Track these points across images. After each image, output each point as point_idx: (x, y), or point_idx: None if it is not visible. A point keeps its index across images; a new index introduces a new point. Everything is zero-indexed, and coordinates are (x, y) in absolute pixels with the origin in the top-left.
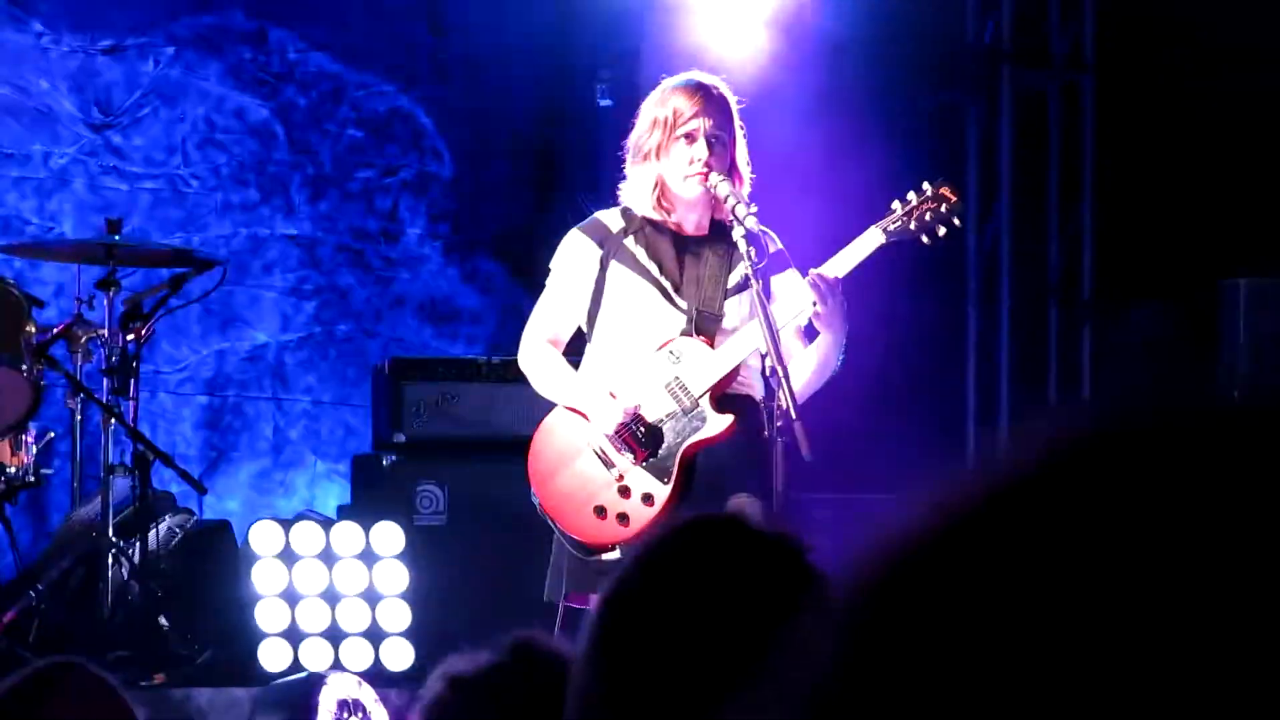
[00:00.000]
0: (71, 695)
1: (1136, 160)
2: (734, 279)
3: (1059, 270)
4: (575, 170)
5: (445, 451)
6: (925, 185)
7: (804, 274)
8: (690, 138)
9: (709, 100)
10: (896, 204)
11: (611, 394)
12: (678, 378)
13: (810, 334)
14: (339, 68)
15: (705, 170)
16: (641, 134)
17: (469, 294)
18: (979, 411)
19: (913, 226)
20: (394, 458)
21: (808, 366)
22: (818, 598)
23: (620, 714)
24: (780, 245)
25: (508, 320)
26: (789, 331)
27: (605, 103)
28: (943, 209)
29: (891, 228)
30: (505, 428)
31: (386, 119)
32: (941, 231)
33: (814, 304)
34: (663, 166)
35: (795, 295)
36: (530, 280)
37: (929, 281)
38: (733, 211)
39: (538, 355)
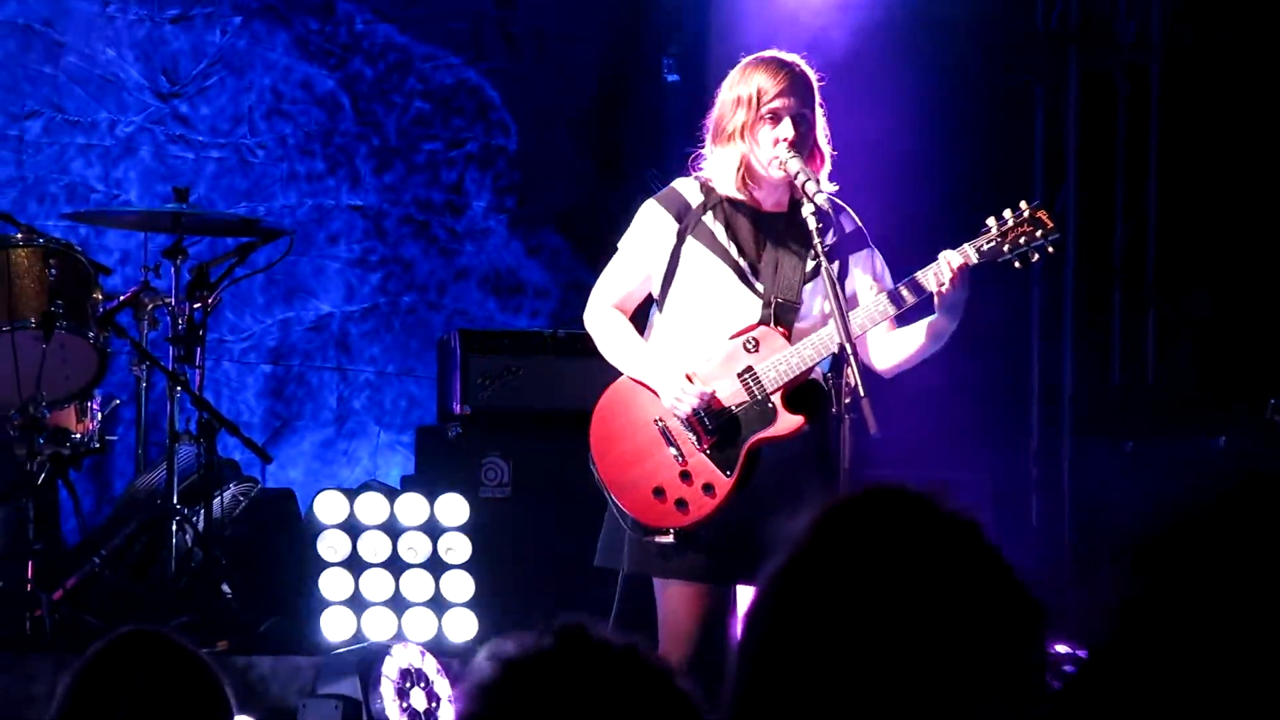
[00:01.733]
0: (158, 665)
1: (1202, 143)
2: (812, 262)
3: (1123, 253)
4: (641, 146)
5: (510, 424)
6: (1022, 206)
7: (880, 252)
8: (776, 117)
9: (793, 78)
10: (991, 222)
11: (689, 375)
12: (752, 369)
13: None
14: (406, 39)
15: (791, 149)
16: (724, 113)
17: (533, 268)
18: (1042, 392)
19: (1006, 249)
20: (458, 430)
21: (912, 341)
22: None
23: (797, 704)
24: (859, 223)
25: (571, 295)
26: (877, 320)
27: (673, 78)
28: (1038, 234)
29: (985, 247)
30: (570, 401)
31: (453, 91)
32: (1035, 258)
33: (940, 286)
34: (748, 146)
35: (873, 274)
36: (595, 256)
37: (987, 264)
38: (803, 189)
39: (607, 319)
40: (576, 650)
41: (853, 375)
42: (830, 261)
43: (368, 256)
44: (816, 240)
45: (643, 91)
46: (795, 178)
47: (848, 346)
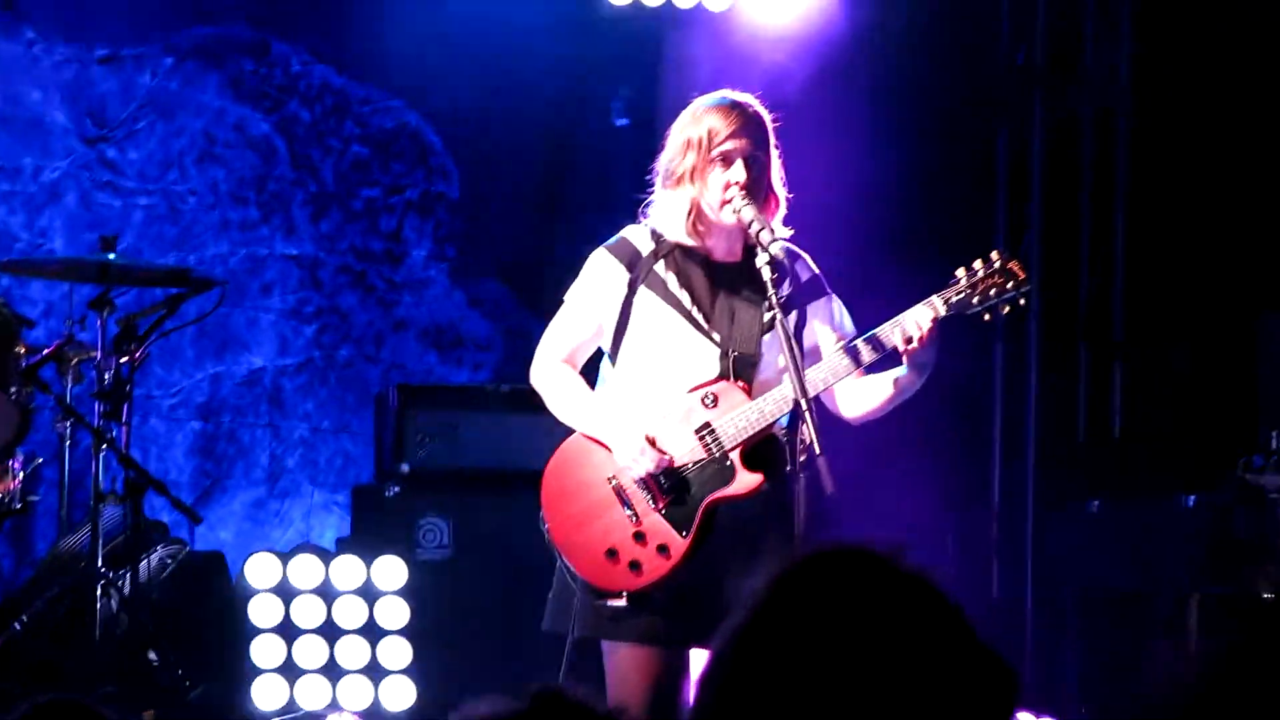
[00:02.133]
0: None
1: (1172, 189)
2: (769, 313)
3: (1089, 302)
4: (589, 192)
5: (450, 483)
6: (993, 256)
7: (839, 298)
8: (727, 160)
9: (746, 119)
10: (960, 273)
11: (649, 438)
12: (710, 426)
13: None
14: (344, 81)
15: (741, 195)
16: (674, 156)
17: (475, 319)
18: (1005, 453)
19: (975, 301)
20: (396, 489)
21: (879, 392)
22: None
23: None
24: (815, 270)
25: (516, 347)
26: (834, 379)
27: (621, 122)
28: (1009, 285)
29: (954, 299)
30: (514, 459)
31: (393, 135)
32: (1005, 309)
33: (908, 342)
34: (698, 191)
35: (831, 324)
36: (540, 307)
37: (954, 316)
38: (757, 237)
39: (557, 374)
40: (554, 715)
41: (809, 432)
42: (786, 313)
43: (302, 308)
44: (771, 291)
45: (590, 136)
46: (749, 225)
47: (803, 403)
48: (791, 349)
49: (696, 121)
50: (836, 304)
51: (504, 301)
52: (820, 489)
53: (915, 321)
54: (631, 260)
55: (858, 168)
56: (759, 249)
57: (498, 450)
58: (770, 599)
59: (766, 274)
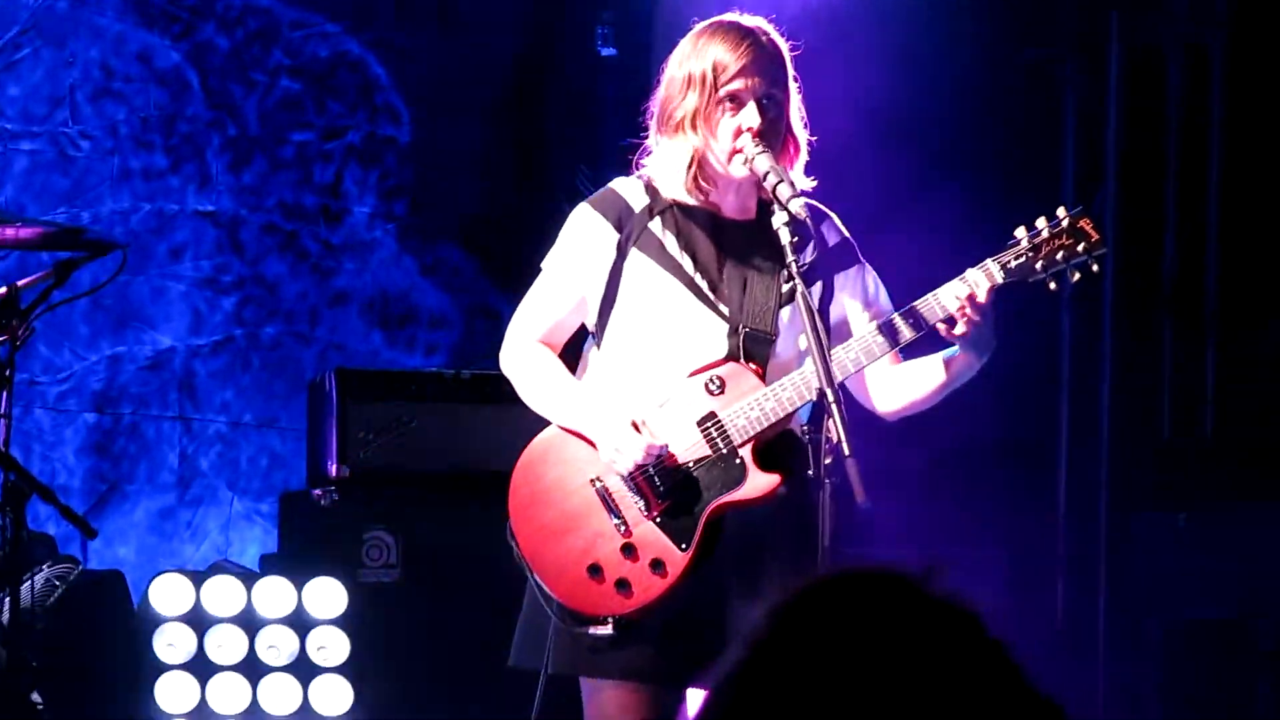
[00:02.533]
0: None
1: (1276, 135)
2: (788, 283)
3: (1175, 275)
4: (569, 136)
5: (399, 489)
6: (1059, 213)
7: (873, 269)
8: (737, 100)
9: (758, 50)
10: (1020, 233)
11: (635, 424)
12: (715, 416)
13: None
14: (271, 2)
15: (759, 143)
16: (672, 95)
17: (430, 290)
18: (1073, 451)
19: (1039, 266)
20: (334, 496)
21: (924, 380)
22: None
23: None
24: (845, 233)
25: (479, 325)
26: (867, 360)
27: (608, 52)
28: (1080, 248)
29: (1014, 264)
30: (476, 460)
31: (330, 67)
32: (1075, 277)
33: (961, 315)
34: (702, 138)
35: (864, 297)
36: (509, 275)
37: (1012, 289)
38: (774, 192)
39: (531, 356)
40: None
41: (836, 429)
42: (809, 283)
43: (220, 276)
44: (791, 257)
45: (571, 68)
46: (763, 178)
47: (829, 393)
48: (815, 326)
49: (698, 53)
50: (870, 274)
51: (465, 269)
52: (849, 498)
53: (967, 291)
54: (621, 217)
55: (897, 110)
56: (776, 206)
57: (457, 449)
58: (772, 632)
59: (785, 236)
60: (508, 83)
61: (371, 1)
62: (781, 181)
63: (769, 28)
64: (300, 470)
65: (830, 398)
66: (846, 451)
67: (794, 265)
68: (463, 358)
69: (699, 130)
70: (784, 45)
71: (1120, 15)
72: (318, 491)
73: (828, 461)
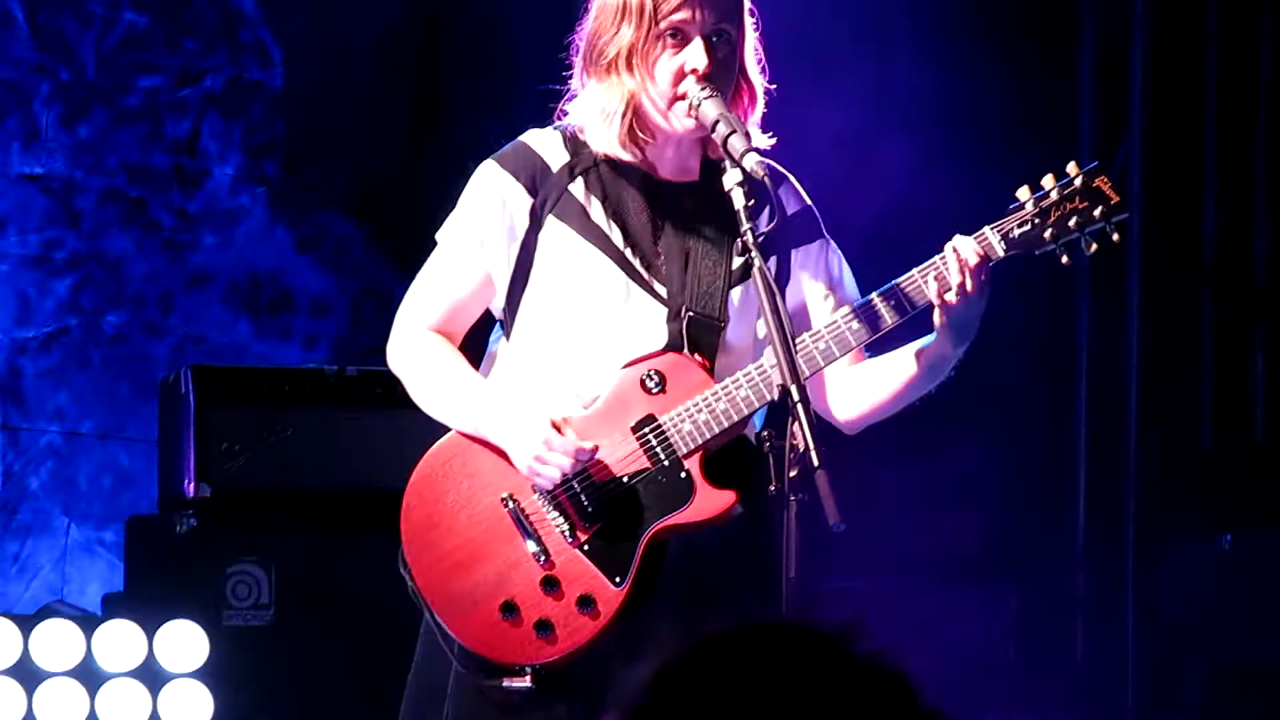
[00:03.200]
0: None
1: None
2: (740, 257)
3: (1217, 242)
4: (476, 81)
5: (272, 513)
6: (1070, 170)
7: (839, 249)
8: (681, 36)
9: None
10: (1024, 194)
11: (556, 424)
12: (654, 420)
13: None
14: None
15: (707, 86)
16: (601, 29)
17: (309, 270)
18: (1092, 461)
19: (1048, 234)
20: (192, 522)
21: (892, 378)
22: None
23: None
24: (808, 201)
25: (368, 310)
26: (838, 352)
27: None
28: (1096, 212)
29: (1017, 233)
30: (363, 476)
31: None
32: (1092, 248)
33: (945, 293)
34: (638, 81)
35: (828, 278)
36: (404, 251)
37: (1016, 263)
38: (724, 145)
39: (425, 348)
40: None
41: (803, 435)
42: (766, 258)
43: (51, 253)
44: (746, 225)
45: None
46: (712, 129)
47: (794, 392)
48: (777, 309)
49: None
50: (835, 252)
51: (352, 244)
52: (819, 519)
53: (959, 256)
54: (535, 178)
55: (875, 49)
56: (727, 163)
57: (341, 463)
58: (654, 699)
59: (739, 199)
60: (403, 16)
61: None
62: (734, 133)
63: None
64: (151, 491)
65: (796, 396)
66: (815, 462)
67: (750, 234)
68: (348, 352)
69: (635, 70)
70: None
71: None
72: (174, 516)
73: (793, 475)
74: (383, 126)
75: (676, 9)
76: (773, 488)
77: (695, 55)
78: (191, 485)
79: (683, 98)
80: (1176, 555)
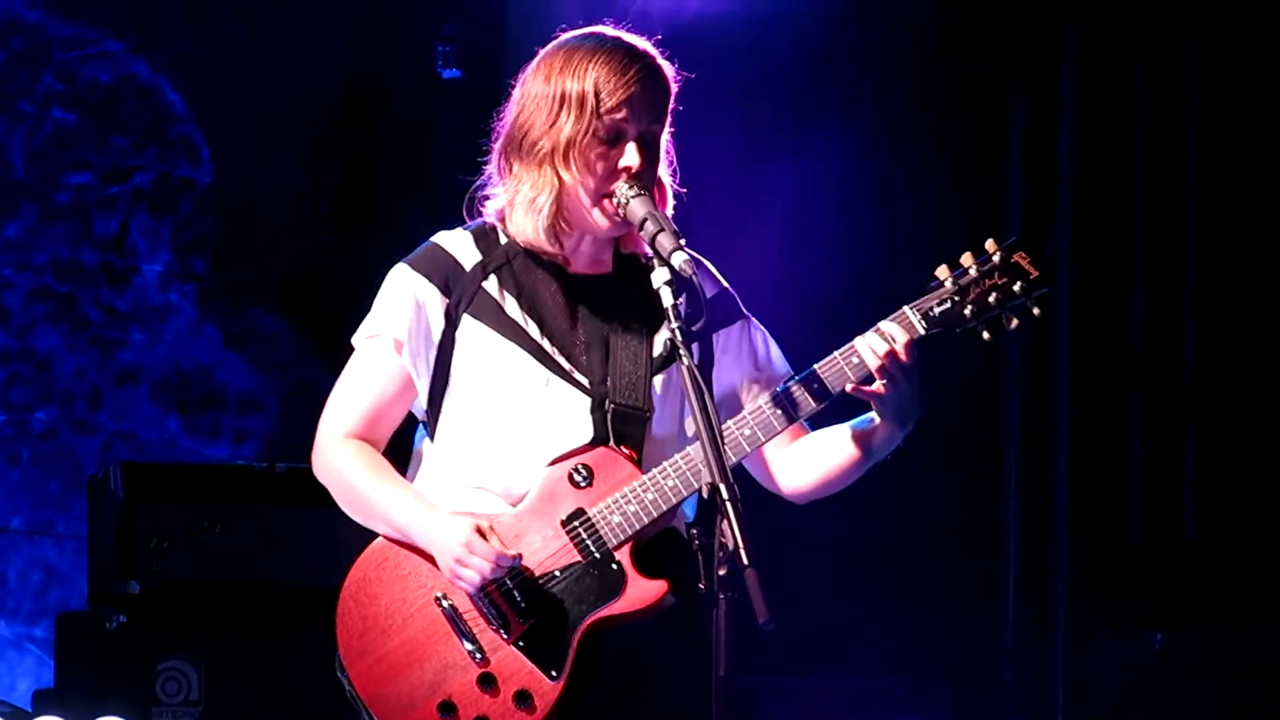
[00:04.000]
0: None
1: (1269, 164)
2: (659, 345)
3: (1145, 336)
4: (403, 175)
5: (202, 610)
6: (989, 247)
7: (764, 328)
8: (618, 135)
9: (648, 78)
10: (943, 272)
11: (480, 529)
12: (584, 514)
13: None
14: (39, 16)
15: (634, 186)
16: (533, 118)
17: (238, 366)
18: (1022, 554)
19: (968, 312)
20: (121, 618)
21: (834, 455)
22: None
23: None
24: (724, 284)
25: (296, 407)
26: (760, 440)
27: (450, 74)
28: (1016, 288)
29: (937, 311)
30: (294, 573)
31: (113, 94)
32: (1013, 324)
33: (877, 373)
34: (572, 176)
35: (753, 361)
36: (334, 347)
37: (946, 355)
38: (652, 243)
39: (346, 458)
40: None
41: (732, 532)
42: (689, 345)
43: None
44: (675, 323)
45: (405, 93)
46: (640, 226)
47: (723, 490)
48: (705, 406)
49: (576, 71)
50: (758, 330)
51: (281, 340)
52: (748, 616)
53: (880, 345)
54: (448, 278)
55: (808, 140)
56: (655, 261)
57: (272, 560)
58: None
59: (667, 296)
60: (330, 112)
61: (163, 13)
62: (661, 230)
63: (656, 53)
64: (81, 587)
65: (725, 494)
66: (745, 561)
67: (678, 333)
68: (277, 448)
69: (570, 164)
70: (671, 75)
71: (1075, 26)
72: (103, 613)
73: (722, 573)
74: (310, 222)
75: (618, 107)
76: (702, 585)
77: (630, 155)
78: (121, 582)
79: (610, 195)
80: (1106, 651)
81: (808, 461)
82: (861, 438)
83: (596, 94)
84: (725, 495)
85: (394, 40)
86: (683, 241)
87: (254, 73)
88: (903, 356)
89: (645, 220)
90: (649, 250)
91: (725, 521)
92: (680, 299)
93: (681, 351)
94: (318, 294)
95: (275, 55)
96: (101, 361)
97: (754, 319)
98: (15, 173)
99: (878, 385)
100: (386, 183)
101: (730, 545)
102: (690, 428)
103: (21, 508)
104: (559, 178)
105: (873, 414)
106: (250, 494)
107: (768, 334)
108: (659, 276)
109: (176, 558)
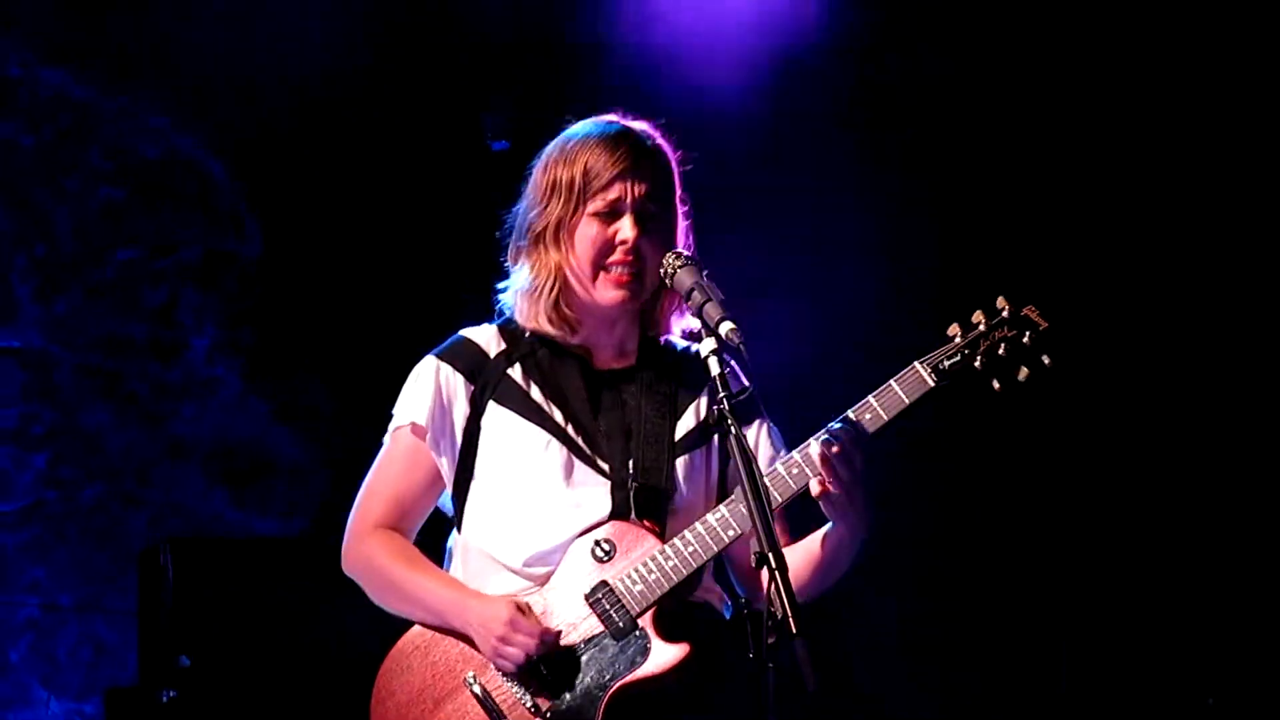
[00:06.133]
0: None
1: None
2: (683, 428)
3: None
4: (454, 249)
5: (254, 684)
6: (1000, 302)
7: (775, 428)
8: (614, 211)
9: (639, 155)
10: (953, 329)
11: (519, 604)
12: (607, 585)
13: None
14: (87, 92)
15: (628, 261)
16: (533, 205)
17: (285, 439)
18: None
19: (978, 364)
20: (172, 693)
21: (801, 568)
22: None
23: None
24: (745, 380)
25: (346, 481)
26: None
27: (499, 146)
28: (1025, 339)
29: (946, 364)
30: (347, 646)
31: (160, 170)
32: (1023, 373)
33: (825, 476)
34: (563, 254)
35: (769, 461)
36: (383, 419)
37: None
38: (699, 312)
39: (377, 547)
40: None
41: (780, 601)
42: (711, 435)
43: (29, 428)
44: (722, 392)
45: (455, 164)
46: (687, 295)
47: (771, 559)
48: (753, 474)
49: (568, 158)
50: (773, 429)
51: (328, 412)
52: (794, 684)
53: (829, 447)
54: (474, 367)
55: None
56: (705, 333)
57: (324, 633)
58: None
59: (714, 366)
60: (377, 184)
61: (209, 90)
62: (709, 300)
63: (655, 133)
64: (131, 663)
65: (774, 563)
66: (794, 629)
67: (726, 402)
68: (327, 521)
69: (560, 243)
70: (671, 153)
71: None
72: (156, 688)
73: (771, 641)
74: (358, 295)
75: (608, 186)
76: (752, 655)
77: (625, 227)
78: (172, 658)
79: (609, 268)
80: None
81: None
82: (822, 543)
83: (585, 175)
84: (774, 563)
85: (443, 109)
86: (728, 315)
87: (299, 145)
88: (852, 457)
89: (692, 290)
90: (700, 320)
91: (773, 585)
92: (728, 369)
93: (730, 420)
94: (367, 365)
95: (320, 128)
96: (149, 436)
97: (769, 419)
98: (63, 247)
99: (828, 485)
100: (438, 256)
101: (779, 613)
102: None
103: (71, 584)
104: (557, 259)
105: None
106: (300, 568)
107: (779, 434)
108: (706, 346)
109: (227, 632)
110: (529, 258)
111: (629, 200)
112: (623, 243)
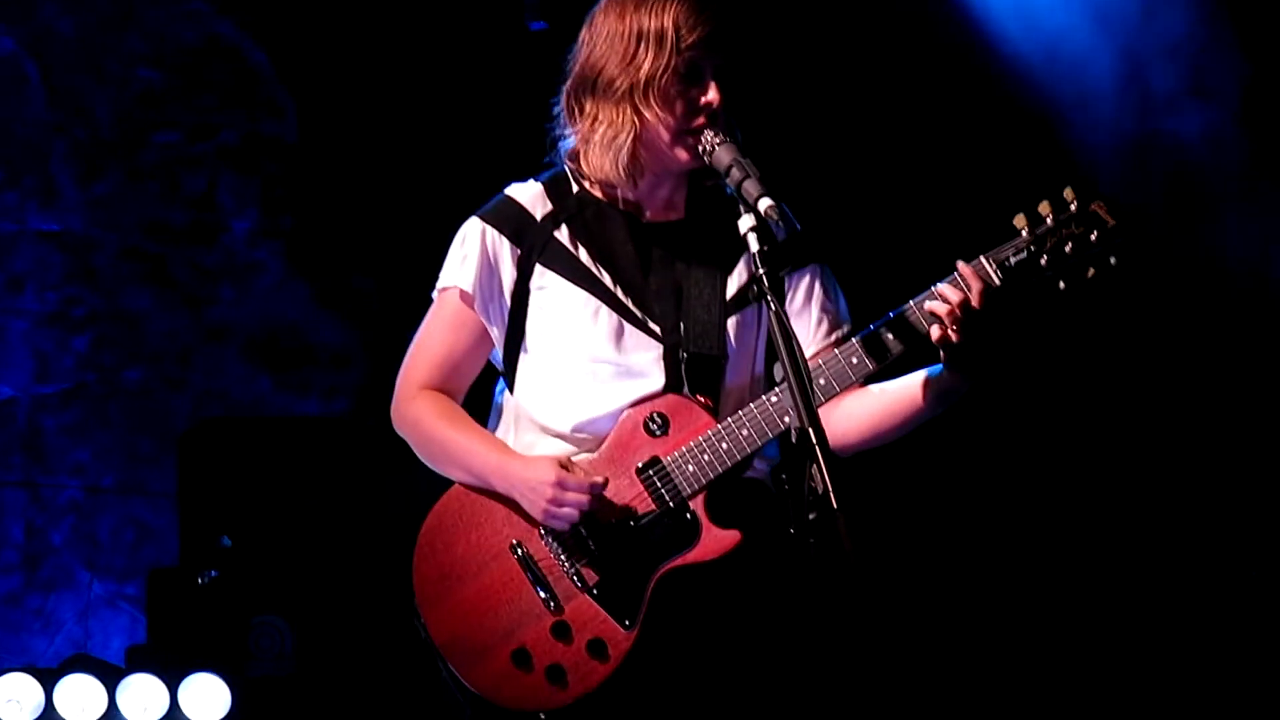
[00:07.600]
0: None
1: None
2: (734, 283)
3: None
4: (494, 131)
5: (294, 564)
6: (1067, 194)
7: (834, 277)
8: (697, 72)
9: (726, 16)
10: (1019, 220)
11: (562, 463)
12: (659, 462)
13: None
14: None
15: (714, 126)
16: (607, 57)
17: (327, 323)
18: None
19: (1044, 262)
20: (213, 574)
21: (893, 405)
22: None
23: None
24: (797, 225)
25: (387, 363)
26: (841, 386)
27: (538, 26)
28: (1093, 236)
29: (1012, 260)
30: (385, 526)
31: (199, 54)
32: (1090, 273)
33: (947, 318)
34: (652, 113)
35: (822, 306)
36: (424, 302)
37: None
38: (739, 189)
39: (424, 410)
40: None
41: (821, 477)
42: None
43: (70, 310)
44: (761, 269)
45: (492, 47)
46: (725, 173)
47: (812, 434)
48: (793, 352)
49: (650, 7)
50: (828, 279)
51: (369, 296)
52: (834, 551)
53: (953, 292)
54: (519, 229)
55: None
56: (742, 206)
57: (365, 515)
58: None
59: (754, 243)
60: (415, 67)
61: None
62: (748, 178)
63: None
64: (172, 544)
65: (814, 439)
66: (834, 504)
67: (764, 278)
68: (368, 404)
69: (649, 103)
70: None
71: None
72: (196, 569)
73: (812, 516)
74: (397, 179)
75: (696, 45)
76: (792, 530)
77: (710, 91)
78: (213, 539)
79: (691, 132)
80: None
81: (863, 412)
82: (924, 386)
83: (676, 29)
84: (814, 439)
85: None
86: (766, 190)
87: (337, 29)
88: (975, 304)
89: (731, 167)
90: (737, 194)
91: (813, 466)
92: (765, 246)
93: (770, 297)
94: (406, 249)
95: (358, 12)
96: (191, 320)
97: (826, 266)
98: (102, 133)
99: (950, 332)
100: (477, 138)
101: (820, 489)
102: (765, 371)
103: (114, 467)
104: (639, 115)
105: (934, 369)
106: (341, 449)
107: (836, 283)
108: (745, 223)
109: (268, 513)
110: (604, 111)
111: (712, 62)
112: (707, 105)
